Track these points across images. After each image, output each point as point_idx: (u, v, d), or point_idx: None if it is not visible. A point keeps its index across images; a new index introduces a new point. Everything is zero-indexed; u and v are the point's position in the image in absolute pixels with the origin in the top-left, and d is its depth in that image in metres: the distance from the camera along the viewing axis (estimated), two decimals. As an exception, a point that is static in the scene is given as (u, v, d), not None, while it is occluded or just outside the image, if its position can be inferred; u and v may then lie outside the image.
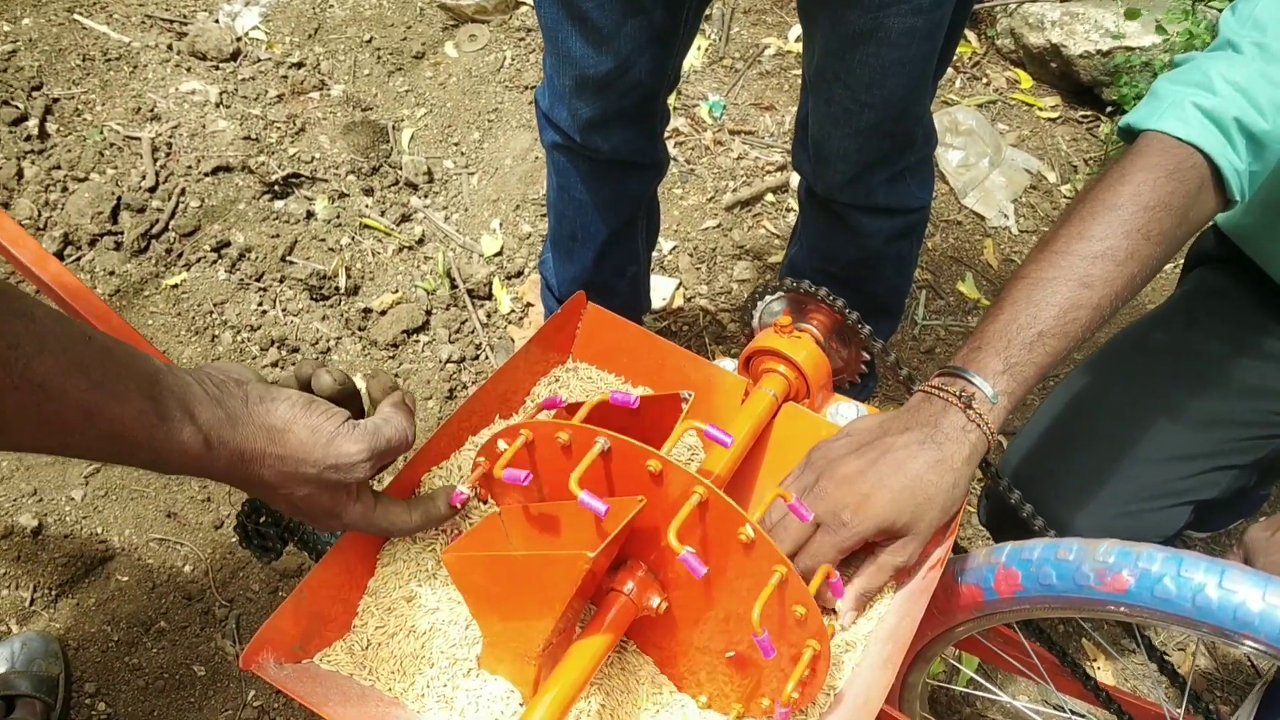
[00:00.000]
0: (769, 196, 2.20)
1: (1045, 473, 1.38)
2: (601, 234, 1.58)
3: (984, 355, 0.95)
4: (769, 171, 2.24)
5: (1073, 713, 1.28)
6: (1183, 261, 1.62)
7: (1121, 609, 0.97)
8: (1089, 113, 2.40)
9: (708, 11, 2.54)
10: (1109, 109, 2.34)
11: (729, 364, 1.13)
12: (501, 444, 0.90)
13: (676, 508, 0.84)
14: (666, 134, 2.27)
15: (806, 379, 1.08)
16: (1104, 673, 1.63)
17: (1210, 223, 1.31)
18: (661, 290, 2.02)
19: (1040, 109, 2.42)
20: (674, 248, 2.12)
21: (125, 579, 1.66)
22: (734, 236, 2.14)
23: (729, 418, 1.06)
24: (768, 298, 1.12)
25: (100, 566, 1.68)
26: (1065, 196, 2.26)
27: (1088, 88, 2.38)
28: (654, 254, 2.08)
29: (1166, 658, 1.17)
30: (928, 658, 1.22)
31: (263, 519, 1.22)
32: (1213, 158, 1.01)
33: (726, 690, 0.96)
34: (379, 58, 2.45)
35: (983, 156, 2.24)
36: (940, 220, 2.19)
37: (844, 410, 1.09)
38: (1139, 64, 2.24)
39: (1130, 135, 1.07)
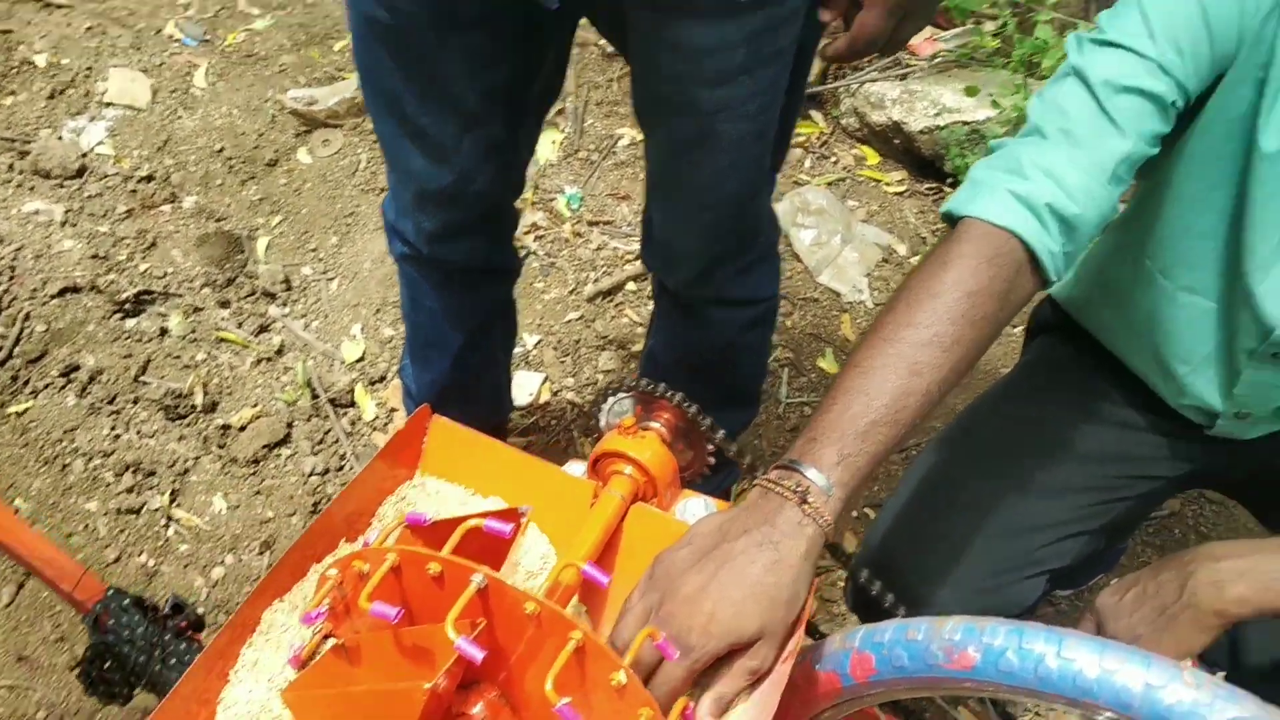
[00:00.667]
0: (630, 285, 2.23)
1: (905, 552, 1.40)
2: (456, 341, 1.58)
3: (819, 447, 0.96)
4: (629, 260, 2.27)
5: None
6: (1024, 328, 1.68)
7: (970, 684, 0.98)
8: (933, 185, 2.50)
9: (560, 106, 2.58)
10: (950, 180, 2.44)
11: (578, 468, 1.13)
12: (361, 565, 0.88)
13: (548, 645, 0.83)
14: (525, 229, 2.29)
15: (654, 479, 1.08)
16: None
17: (1031, 301, 1.36)
18: (527, 386, 2.02)
19: (887, 184, 2.51)
20: (538, 342, 2.13)
21: (-27, 731, 1.58)
22: (597, 327, 2.15)
23: (578, 522, 1.06)
24: (613, 398, 1.13)
25: (-55, 719, 1.59)
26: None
27: (930, 161, 2.48)
28: (518, 349, 2.09)
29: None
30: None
31: (107, 665, 1.17)
32: (1029, 243, 1.05)
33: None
34: (231, 167, 2.42)
35: (834, 234, 2.30)
36: (797, 298, 2.24)
37: (692, 507, 1.09)
38: (964, 136, 2.35)
39: (952, 220, 1.11)
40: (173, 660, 1.14)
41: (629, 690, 0.83)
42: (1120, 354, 1.44)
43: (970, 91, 2.39)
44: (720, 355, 1.55)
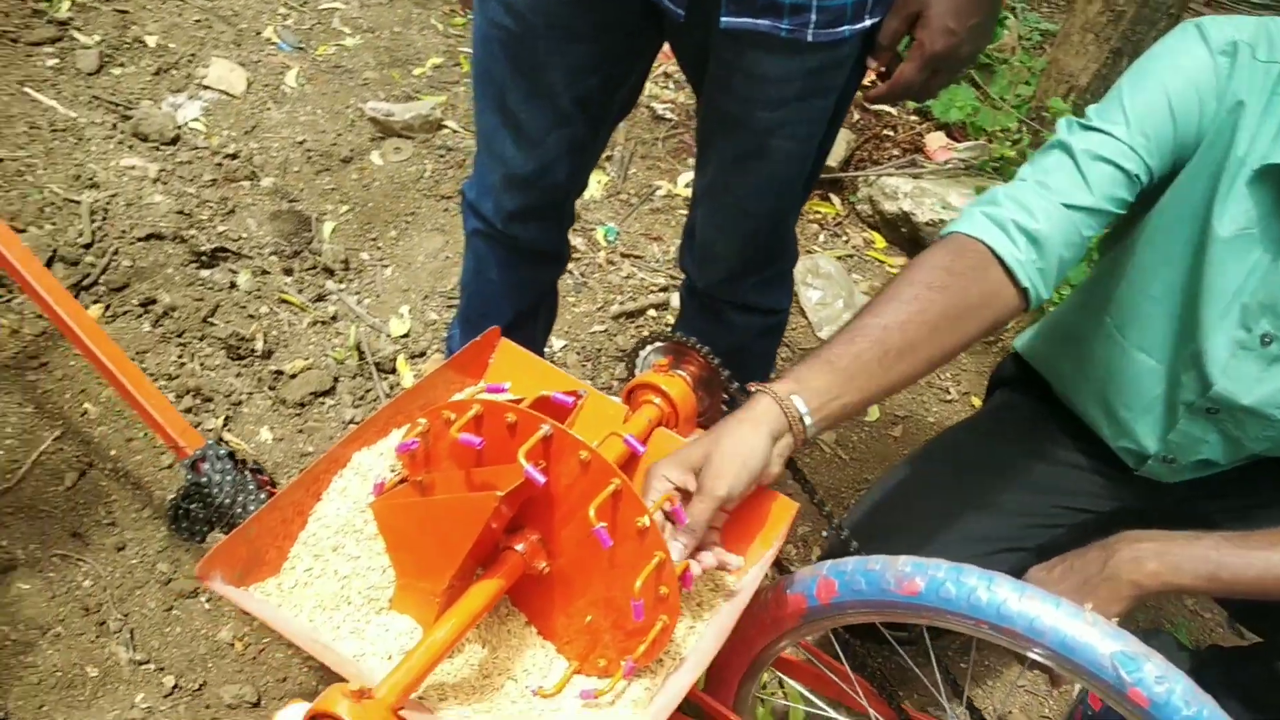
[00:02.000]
0: (651, 311, 2.48)
1: (874, 535, 1.63)
2: (507, 315, 1.82)
3: (803, 374, 1.20)
4: (652, 291, 2.53)
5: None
6: (986, 387, 1.94)
7: (915, 609, 1.21)
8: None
9: (609, 154, 2.86)
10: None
11: (615, 400, 1.36)
12: (448, 414, 1.10)
13: (588, 491, 1.05)
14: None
15: (677, 411, 1.32)
16: None
17: (1016, 316, 1.59)
18: (549, 382, 2.26)
19: (890, 266, 2.78)
20: (564, 346, 2.37)
21: (26, 587, 1.77)
22: (618, 341, 2.40)
23: (616, 437, 1.29)
24: (649, 346, 1.37)
25: (3, 574, 1.78)
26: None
27: (911, 239, 2.76)
28: (546, 349, 2.33)
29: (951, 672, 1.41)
30: (757, 668, 1.44)
31: (194, 504, 1.40)
32: (993, 247, 1.30)
33: (574, 648, 1.16)
34: (309, 158, 2.69)
35: (838, 298, 2.57)
36: (797, 348, 2.49)
37: (704, 439, 1.33)
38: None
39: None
40: (253, 506, 1.36)
41: (650, 534, 1.06)
42: (1071, 399, 1.69)
43: (979, 191, 2.68)
44: (734, 355, 1.79)
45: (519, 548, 1.11)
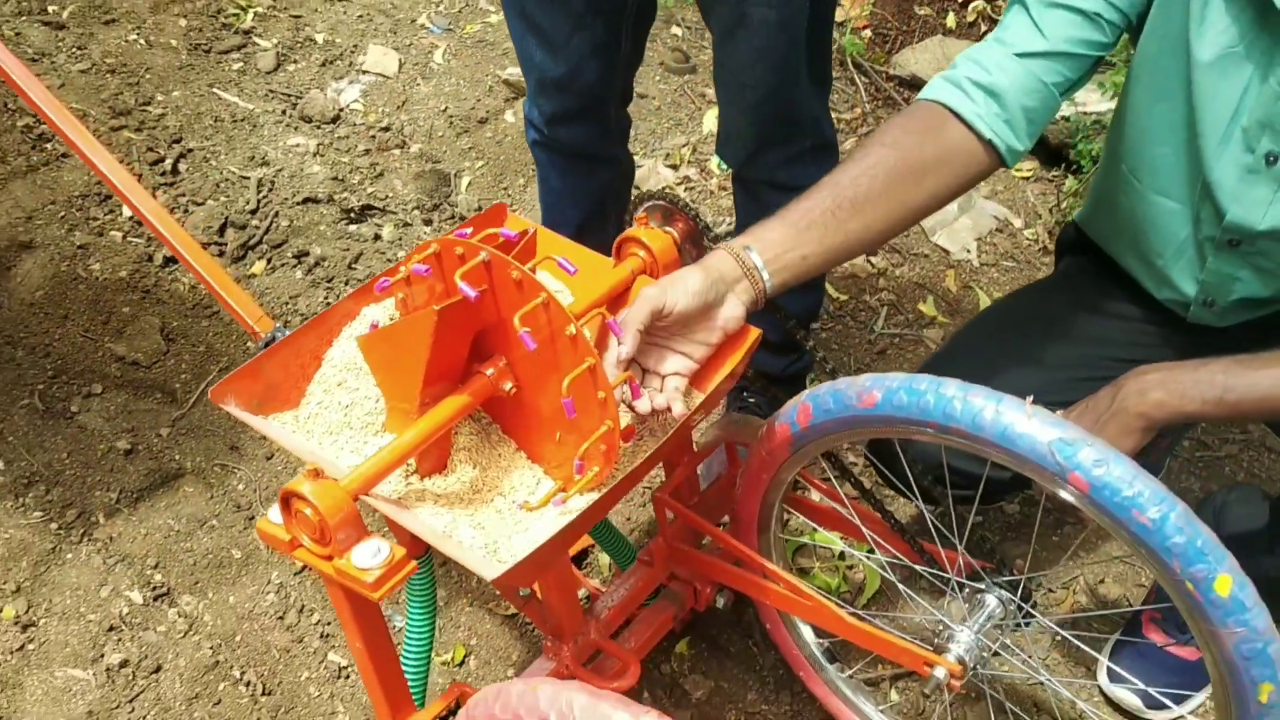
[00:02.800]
0: (758, 229, 2.57)
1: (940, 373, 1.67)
2: (573, 220, 1.97)
3: (757, 230, 1.30)
4: (761, 210, 2.61)
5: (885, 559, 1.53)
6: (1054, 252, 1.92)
7: (877, 421, 1.27)
8: (1058, 172, 2.71)
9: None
10: (1074, 166, 2.65)
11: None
12: (458, 249, 1.25)
13: (520, 306, 1.19)
14: (678, 180, 2.67)
15: (658, 263, 1.43)
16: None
17: (981, 179, 1.57)
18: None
19: (1015, 170, 2.74)
20: (672, 267, 2.50)
21: (190, 490, 2.07)
22: (724, 259, 2.50)
23: (600, 281, 1.41)
24: (644, 204, 1.49)
25: (173, 480, 2.09)
26: (1027, 238, 2.56)
27: (1058, 150, 2.70)
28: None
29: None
30: (769, 505, 1.52)
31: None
32: (948, 105, 1.34)
33: (563, 471, 1.29)
34: (451, 123, 2.94)
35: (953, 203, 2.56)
36: (909, 253, 2.51)
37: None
38: (1090, 125, 2.56)
39: None
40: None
41: (579, 340, 1.17)
42: (1115, 255, 1.67)
43: (1099, 86, 2.61)
44: None
45: (487, 371, 1.26)
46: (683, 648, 1.82)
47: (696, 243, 1.47)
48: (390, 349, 1.23)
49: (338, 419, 1.31)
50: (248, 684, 1.80)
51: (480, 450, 1.32)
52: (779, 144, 1.73)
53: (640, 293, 1.24)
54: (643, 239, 1.42)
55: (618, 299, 1.41)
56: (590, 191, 1.95)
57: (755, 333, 1.33)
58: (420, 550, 1.44)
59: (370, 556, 1.09)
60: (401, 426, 1.28)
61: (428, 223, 2.64)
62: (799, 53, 1.61)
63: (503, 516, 1.26)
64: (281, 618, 1.88)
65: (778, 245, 1.28)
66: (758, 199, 1.82)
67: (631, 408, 1.26)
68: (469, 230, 1.32)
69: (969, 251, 2.51)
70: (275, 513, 1.16)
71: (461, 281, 1.16)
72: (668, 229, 1.46)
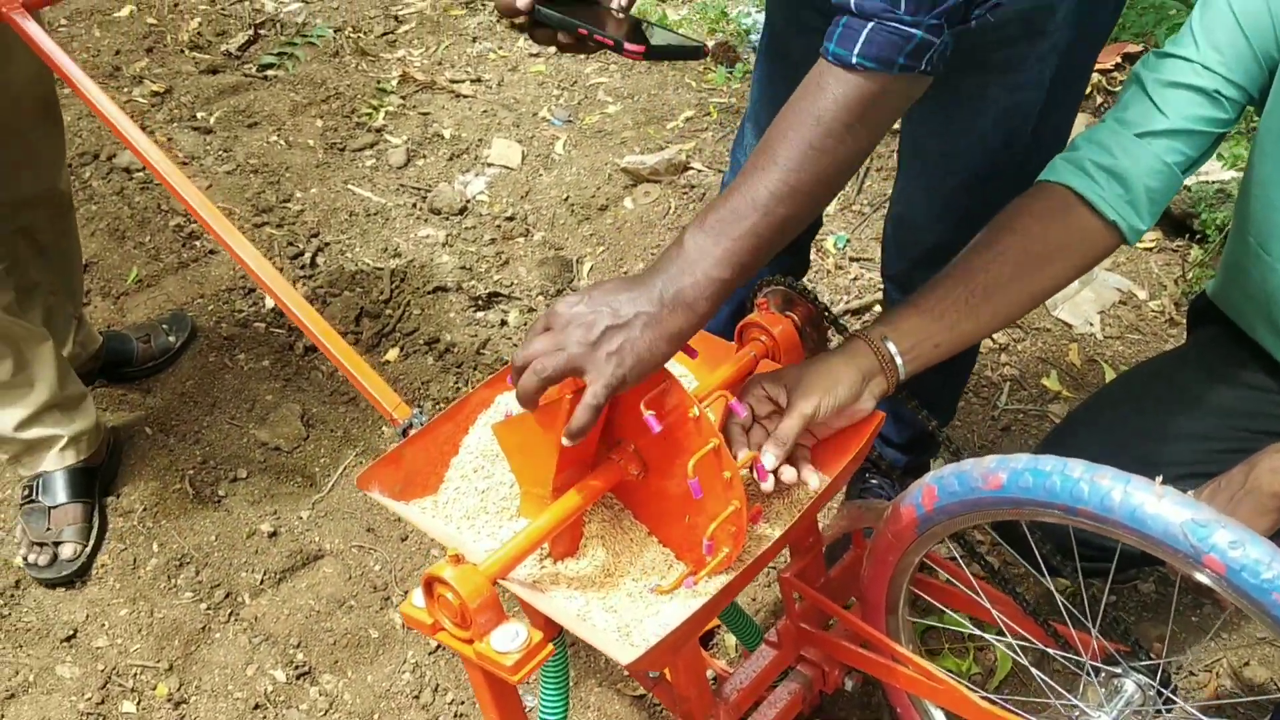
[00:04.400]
0: (876, 306, 2.58)
1: (1063, 449, 1.67)
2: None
3: (893, 318, 1.33)
4: (878, 288, 2.63)
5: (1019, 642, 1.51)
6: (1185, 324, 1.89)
7: (1002, 505, 1.27)
8: (1182, 242, 2.67)
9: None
10: (1198, 235, 2.61)
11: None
12: None
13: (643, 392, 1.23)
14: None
15: (779, 345, 1.46)
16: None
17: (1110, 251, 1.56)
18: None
19: (1139, 242, 2.71)
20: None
21: (330, 571, 2.15)
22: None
23: (722, 366, 1.45)
24: (763, 291, 1.53)
25: (314, 562, 2.18)
26: (1152, 310, 2.52)
27: (1181, 220, 2.66)
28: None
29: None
30: (898, 586, 1.52)
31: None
32: (1073, 188, 1.36)
33: (693, 555, 1.32)
34: (572, 211, 3.04)
35: (1075, 276, 2.54)
36: (1030, 327, 2.49)
37: (805, 369, 1.46)
38: (1212, 194, 2.52)
39: None
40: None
41: (702, 422, 1.21)
42: (1247, 328, 1.65)
43: (1218, 157, 2.58)
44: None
45: (615, 457, 1.30)
46: (811, 730, 1.82)
47: (817, 325, 1.50)
48: (524, 436, 1.28)
49: (474, 504, 1.36)
50: (387, 763, 1.85)
51: (611, 534, 1.36)
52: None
53: (794, 404, 1.28)
54: (765, 325, 1.46)
55: (739, 380, 1.45)
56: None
57: (880, 416, 1.35)
58: (555, 632, 1.47)
59: (509, 640, 1.13)
60: (535, 511, 1.33)
61: (551, 308, 2.72)
62: (1017, 150, 1.58)
63: (635, 600, 1.29)
64: (417, 697, 1.94)
65: (914, 335, 1.31)
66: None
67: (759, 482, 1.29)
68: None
69: (1092, 325, 2.48)
70: (418, 596, 1.21)
71: (649, 414, 1.21)
72: (788, 313, 1.50)
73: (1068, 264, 1.38)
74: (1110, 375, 2.36)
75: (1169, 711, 1.39)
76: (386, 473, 1.34)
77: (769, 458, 1.25)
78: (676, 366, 1.47)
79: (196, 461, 2.38)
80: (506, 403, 1.44)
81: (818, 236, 2.77)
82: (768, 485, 1.27)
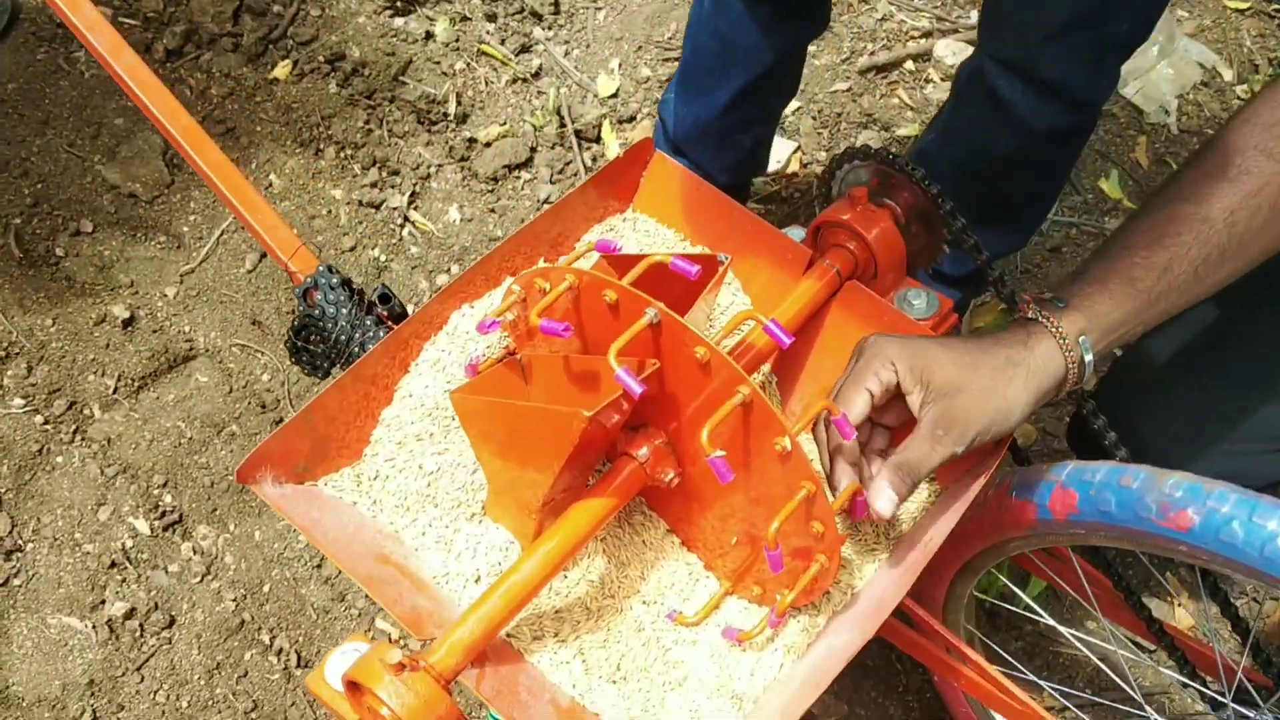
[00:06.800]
0: (909, 64, 2.05)
1: (1144, 401, 1.28)
2: (738, 79, 1.48)
3: (1097, 299, 0.88)
4: (913, 37, 2.08)
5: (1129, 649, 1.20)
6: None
7: (1182, 548, 0.88)
8: (1285, 5, 2.16)
9: None
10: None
11: (798, 232, 1.05)
12: (542, 283, 0.85)
13: (715, 396, 0.78)
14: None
15: (876, 258, 0.99)
16: (1176, 609, 1.54)
17: None
18: (778, 153, 1.92)
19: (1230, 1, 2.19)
20: (797, 109, 2.01)
21: (205, 380, 1.69)
22: (863, 103, 2.01)
23: (786, 289, 0.99)
24: (848, 164, 1.03)
25: (183, 365, 1.71)
26: (1239, 98, 2.05)
27: (1287, -23, 2.14)
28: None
29: (1232, 601, 1.07)
30: (975, 569, 1.15)
31: (311, 339, 1.20)
32: None
33: (725, 563, 0.92)
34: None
35: (1153, 44, 2.04)
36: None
37: (913, 298, 1.00)
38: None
39: None
40: (369, 346, 1.16)
41: (793, 459, 0.78)
42: None
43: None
44: (1011, 166, 1.38)
45: (640, 453, 0.86)
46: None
47: (925, 222, 1.02)
48: (505, 430, 0.83)
49: (416, 488, 0.91)
50: (279, 653, 1.49)
51: (616, 535, 0.94)
52: (1088, 28, 1.19)
53: (944, 430, 0.85)
54: (854, 226, 0.98)
55: (819, 314, 1.00)
56: (771, 48, 1.43)
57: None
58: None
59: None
60: (511, 520, 0.90)
61: (491, 18, 2.11)
62: None
63: (647, 645, 0.89)
64: (319, 566, 1.56)
65: (1116, 329, 0.87)
66: (999, 106, 1.29)
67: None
68: (616, 247, 0.88)
69: (1168, 114, 2.01)
70: (334, 674, 0.79)
71: (619, 368, 0.74)
72: (885, 201, 1.02)
73: None
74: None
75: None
76: (281, 451, 0.87)
77: (885, 501, 0.83)
78: (725, 296, 1.00)
79: (25, 204, 1.83)
80: (468, 330, 0.96)
81: None
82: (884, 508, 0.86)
